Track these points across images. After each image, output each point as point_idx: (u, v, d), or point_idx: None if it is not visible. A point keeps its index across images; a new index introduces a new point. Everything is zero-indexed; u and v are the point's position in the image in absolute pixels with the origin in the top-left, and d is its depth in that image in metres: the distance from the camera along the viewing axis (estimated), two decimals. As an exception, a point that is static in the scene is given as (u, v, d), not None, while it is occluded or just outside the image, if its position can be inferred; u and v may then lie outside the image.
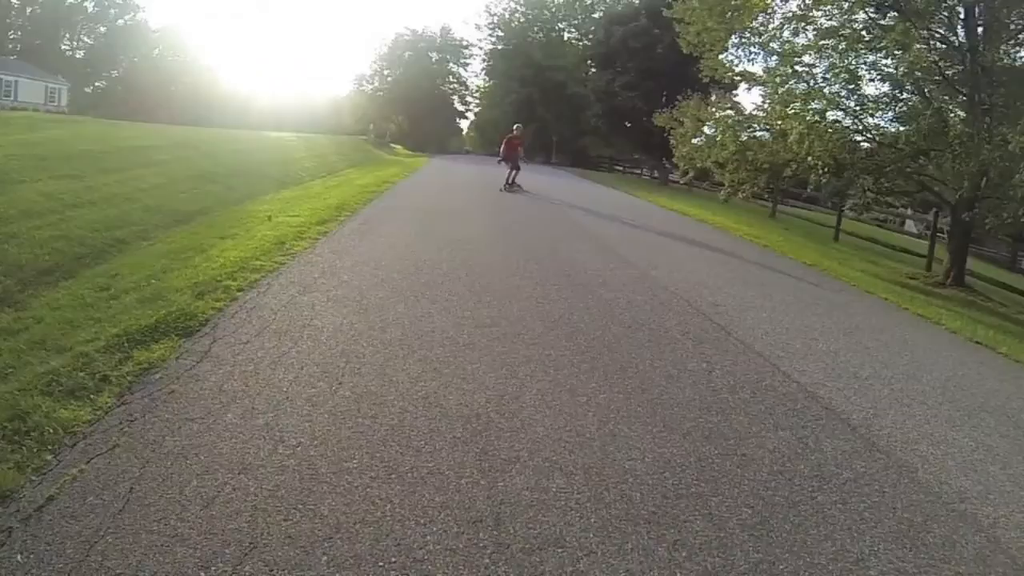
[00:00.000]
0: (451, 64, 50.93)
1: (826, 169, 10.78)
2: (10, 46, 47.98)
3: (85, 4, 52.94)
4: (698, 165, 14.87)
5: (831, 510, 2.50)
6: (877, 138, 11.43)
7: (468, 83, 51.98)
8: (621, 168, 35.92)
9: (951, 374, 4.64)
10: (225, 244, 6.12)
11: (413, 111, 47.41)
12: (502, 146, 14.27)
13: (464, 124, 55.06)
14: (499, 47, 46.32)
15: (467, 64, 51.12)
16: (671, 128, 16.83)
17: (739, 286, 6.54)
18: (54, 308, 4.88)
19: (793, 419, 3.33)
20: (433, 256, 6.08)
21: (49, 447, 2.30)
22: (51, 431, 2.39)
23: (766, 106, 12.61)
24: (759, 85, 12.99)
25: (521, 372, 3.44)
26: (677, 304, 5.38)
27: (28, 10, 51.46)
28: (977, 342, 5.91)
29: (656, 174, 28.71)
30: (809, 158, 10.79)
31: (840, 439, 3.17)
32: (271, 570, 1.80)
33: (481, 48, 48.72)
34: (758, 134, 13.06)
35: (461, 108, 52.81)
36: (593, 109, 35.16)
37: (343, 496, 2.15)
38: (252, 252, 5.57)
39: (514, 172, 13.75)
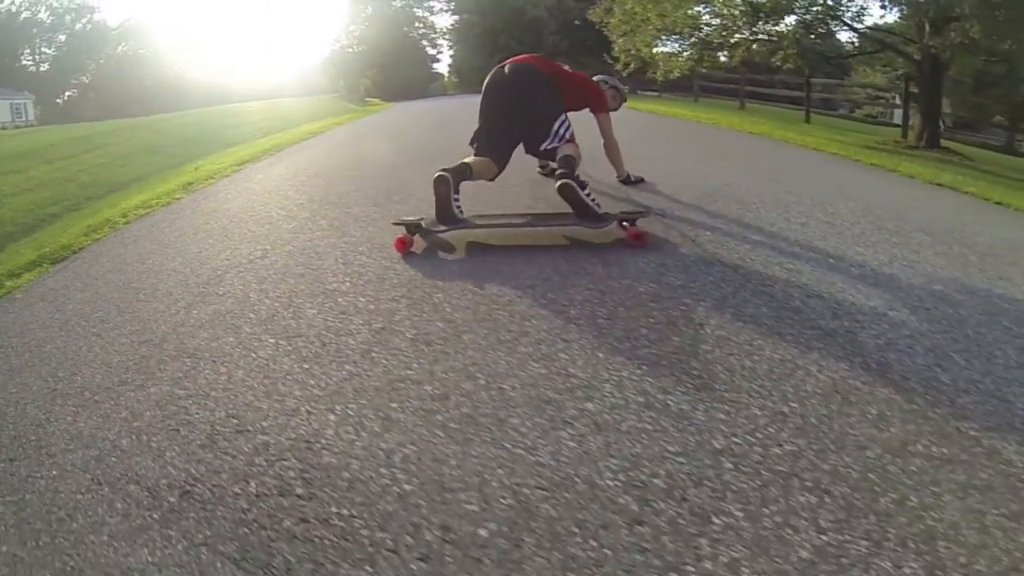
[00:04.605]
0: (415, 8, 49.62)
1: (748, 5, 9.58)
2: (-30, 71, 47.70)
3: (39, 17, 51.97)
4: (632, 52, 14.39)
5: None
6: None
7: (436, 25, 50.79)
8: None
9: (885, 203, 3.90)
10: (141, 195, 6.53)
11: (385, 62, 46.44)
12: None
13: (442, 68, 53.87)
14: (454, -20, 44.90)
15: (431, 6, 49.80)
16: (605, 24, 16.25)
17: (641, 147, 6.06)
18: (-27, 270, 5.42)
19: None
20: (322, 170, 6.39)
21: None
22: None
23: None
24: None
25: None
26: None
27: (-18, 33, 50.84)
28: (939, 184, 5.01)
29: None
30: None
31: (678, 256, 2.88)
32: None
33: (439, -14, 47.33)
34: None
35: (433, 52, 51.78)
36: (549, 28, 34.23)
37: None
38: (155, 195, 5.98)
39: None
